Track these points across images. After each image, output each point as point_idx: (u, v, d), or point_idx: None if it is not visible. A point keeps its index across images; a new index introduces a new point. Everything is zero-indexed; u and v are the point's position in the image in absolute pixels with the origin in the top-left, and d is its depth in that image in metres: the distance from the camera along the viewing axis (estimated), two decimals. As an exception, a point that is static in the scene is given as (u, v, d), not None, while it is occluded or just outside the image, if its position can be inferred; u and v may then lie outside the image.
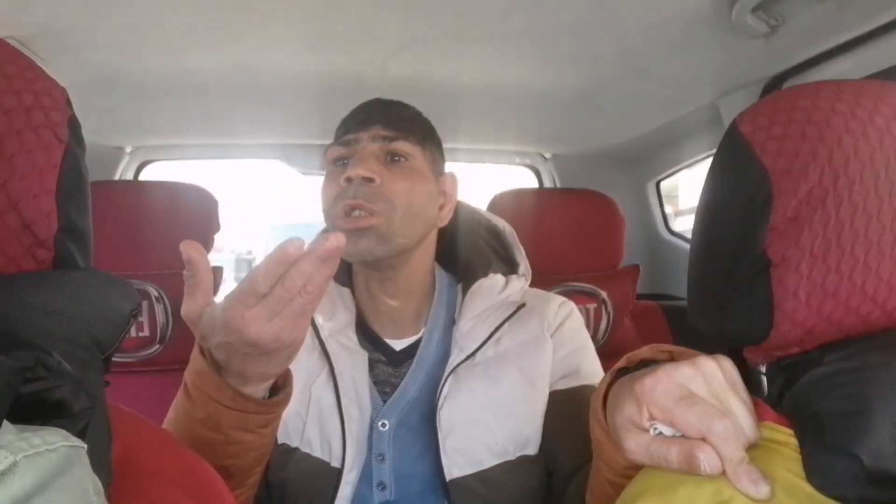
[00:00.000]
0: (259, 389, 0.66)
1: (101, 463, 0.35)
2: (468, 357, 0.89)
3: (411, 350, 0.93)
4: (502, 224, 1.06)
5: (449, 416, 0.86)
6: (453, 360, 0.89)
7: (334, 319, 0.92)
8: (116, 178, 1.82)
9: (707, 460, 0.43)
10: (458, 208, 1.00)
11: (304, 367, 0.89)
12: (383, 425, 0.89)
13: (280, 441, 0.89)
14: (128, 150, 1.83)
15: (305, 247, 0.55)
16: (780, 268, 0.45)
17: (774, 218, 0.46)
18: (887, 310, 0.44)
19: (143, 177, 1.93)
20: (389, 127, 0.88)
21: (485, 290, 0.95)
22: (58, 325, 0.38)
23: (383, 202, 0.83)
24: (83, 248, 0.44)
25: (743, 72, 1.21)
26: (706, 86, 1.32)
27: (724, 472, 0.43)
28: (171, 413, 0.71)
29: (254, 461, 0.73)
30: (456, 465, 0.85)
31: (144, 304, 1.33)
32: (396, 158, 0.88)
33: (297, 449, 0.88)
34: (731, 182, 0.51)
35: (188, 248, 0.60)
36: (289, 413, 0.87)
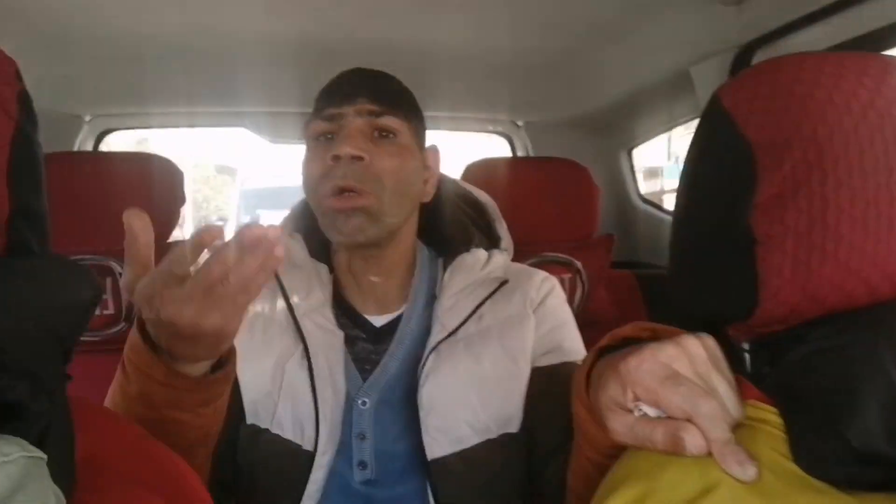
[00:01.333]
0: (194, 368, 0.64)
1: (63, 466, 0.33)
2: (450, 334, 0.88)
3: (392, 326, 0.92)
4: (484, 197, 1.04)
5: (430, 393, 0.85)
6: (435, 336, 0.88)
7: (310, 297, 0.90)
8: (75, 147, 1.76)
9: (692, 441, 0.42)
10: (439, 181, 0.98)
11: (277, 347, 0.88)
12: (364, 403, 0.87)
13: (249, 422, 0.88)
14: (87, 118, 1.78)
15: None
16: (764, 245, 0.45)
17: (759, 194, 0.45)
18: (871, 286, 0.43)
19: (103, 147, 1.87)
20: (376, 101, 0.85)
21: (467, 265, 0.93)
22: (12, 318, 0.35)
23: (373, 181, 0.81)
24: (38, 233, 0.41)
25: (715, 39, 1.20)
26: (678, 53, 1.31)
27: (710, 454, 0.42)
28: (110, 390, 0.69)
29: (195, 441, 0.70)
30: (437, 444, 0.84)
31: (108, 280, 1.30)
32: (384, 134, 0.85)
33: (266, 430, 0.86)
34: (712, 157, 0.50)
35: (130, 217, 0.59)
36: (259, 393, 0.87)
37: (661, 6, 1.13)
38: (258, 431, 0.87)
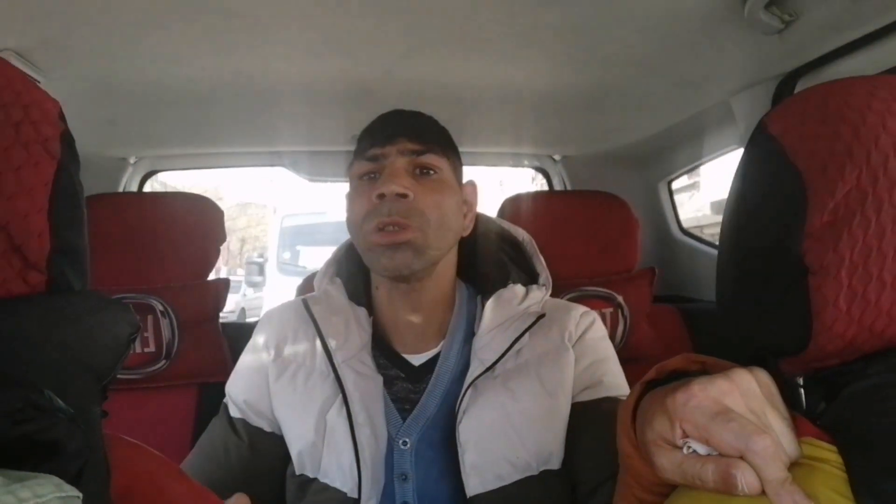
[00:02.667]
0: None
1: (99, 503, 0.33)
2: (487, 369, 0.88)
3: (430, 364, 0.92)
4: (521, 234, 1.05)
5: (468, 430, 0.85)
6: (472, 372, 0.88)
7: (348, 343, 0.91)
8: (120, 189, 1.81)
9: (745, 479, 0.40)
10: (477, 219, 1.01)
11: (318, 397, 0.89)
12: (404, 443, 0.88)
13: (297, 472, 0.89)
14: (132, 160, 1.82)
15: None
16: (817, 275, 0.43)
17: (810, 223, 0.43)
18: None
19: (147, 187, 1.92)
20: (416, 139, 0.89)
21: (504, 300, 0.94)
22: (50, 356, 0.35)
23: (417, 217, 0.84)
24: (78, 270, 0.42)
25: (756, 69, 1.19)
26: (718, 84, 1.29)
27: (763, 493, 0.40)
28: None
29: None
30: (476, 482, 0.84)
31: (149, 318, 1.32)
32: (425, 171, 0.89)
33: (315, 479, 0.88)
34: (761, 186, 0.48)
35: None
36: (305, 444, 0.89)
37: (701, 38, 1.11)
38: (307, 482, 0.89)
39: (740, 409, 0.43)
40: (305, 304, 0.96)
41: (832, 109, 0.45)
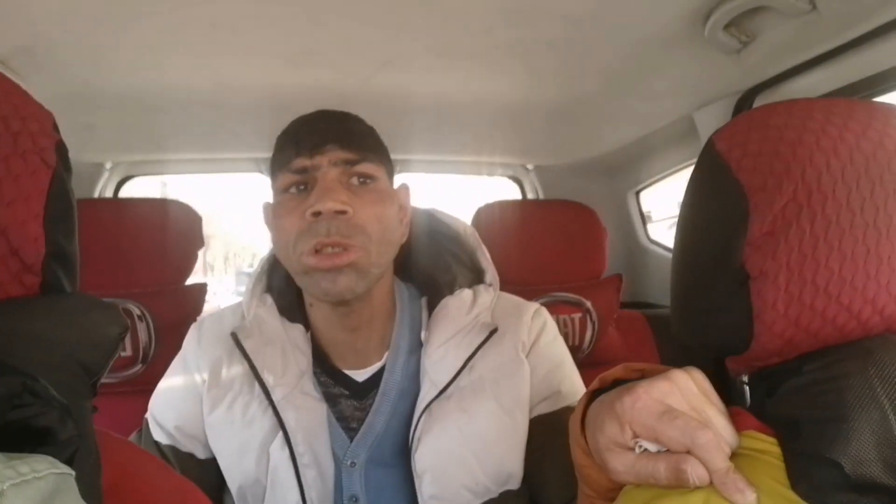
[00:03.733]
0: None
1: (90, 490, 0.35)
2: (441, 391, 0.83)
3: (375, 379, 0.86)
4: (461, 226, 0.98)
5: (424, 459, 0.81)
6: (425, 395, 0.83)
7: (286, 375, 0.84)
8: (96, 194, 1.80)
9: (695, 472, 0.43)
10: (413, 214, 0.93)
11: (259, 429, 0.83)
12: (352, 464, 0.83)
13: None
14: (108, 165, 1.81)
15: None
16: (758, 280, 0.47)
17: (751, 233, 0.47)
18: (862, 319, 0.45)
19: (124, 193, 1.92)
20: (349, 147, 0.80)
21: (453, 310, 0.88)
22: (45, 352, 0.38)
23: (358, 234, 0.77)
24: (70, 273, 0.44)
25: (717, 86, 1.24)
26: (681, 99, 1.34)
27: (710, 483, 0.43)
28: None
29: None
30: None
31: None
32: (362, 181, 0.81)
33: None
34: (708, 198, 0.52)
35: None
36: (246, 478, 0.83)
37: (665, 56, 1.16)
38: None
39: (682, 407, 0.46)
40: (236, 339, 0.87)
41: (773, 129, 0.49)
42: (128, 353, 1.32)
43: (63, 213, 0.43)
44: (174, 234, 1.42)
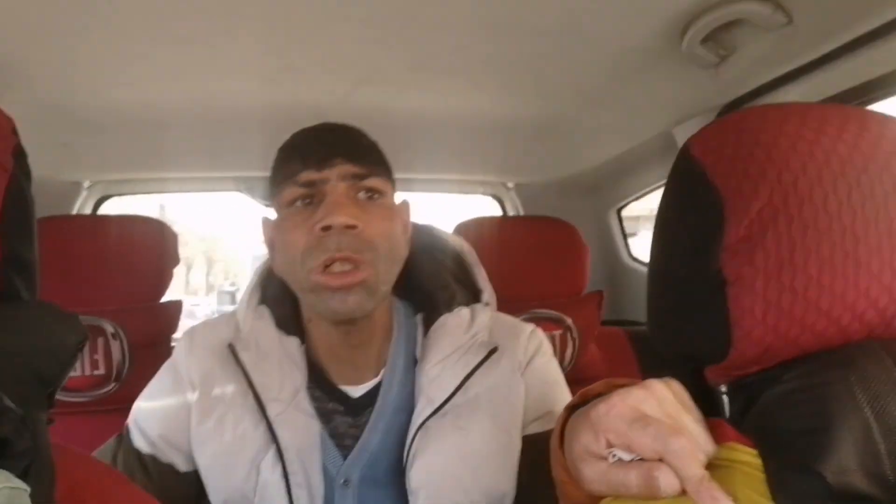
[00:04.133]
0: None
1: (44, 503, 0.34)
2: (437, 409, 0.82)
3: (370, 396, 0.85)
4: (459, 243, 0.97)
5: (419, 477, 0.80)
6: (420, 412, 0.82)
7: (283, 391, 0.83)
8: (74, 212, 1.78)
9: (666, 480, 0.42)
10: (412, 230, 0.91)
11: (250, 444, 0.82)
12: (345, 483, 0.82)
13: None
14: (86, 185, 1.80)
15: None
16: (735, 286, 0.46)
17: (727, 237, 0.46)
18: (842, 325, 0.45)
19: (103, 212, 1.90)
20: (357, 161, 0.79)
21: (451, 329, 0.87)
22: (0, 361, 0.36)
23: (368, 250, 0.76)
24: (27, 280, 0.42)
25: (696, 101, 1.25)
26: (661, 115, 1.35)
27: (685, 493, 0.42)
28: None
29: None
30: None
31: (100, 340, 1.30)
32: (370, 196, 0.80)
33: None
34: (684, 204, 0.52)
35: None
36: (233, 493, 0.81)
37: (643, 71, 1.17)
38: None
39: (657, 414, 0.45)
40: (233, 351, 0.85)
41: (748, 133, 0.48)
42: (101, 371, 1.29)
43: (20, 219, 0.42)
44: (149, 251, 1.40)
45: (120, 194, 1.94)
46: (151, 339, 1.36)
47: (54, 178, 1.65)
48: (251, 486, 0.81)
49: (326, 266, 0.74)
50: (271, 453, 0.80)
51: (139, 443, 0.87)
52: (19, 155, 0.42)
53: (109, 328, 1.30)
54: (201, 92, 1.24)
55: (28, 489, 0.31)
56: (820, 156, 0.45)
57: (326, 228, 0.74)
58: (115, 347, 1.30)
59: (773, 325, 0.45)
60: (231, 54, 1.09)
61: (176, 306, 1.45)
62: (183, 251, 1.54)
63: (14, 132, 0.43)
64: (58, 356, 0.41)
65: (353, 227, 0.75)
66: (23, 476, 0.32)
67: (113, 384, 1.30)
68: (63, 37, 0.97)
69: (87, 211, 1.84)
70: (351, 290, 0.75)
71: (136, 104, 1.28)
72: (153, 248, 1.41)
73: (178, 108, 1.32)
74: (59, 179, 1.68)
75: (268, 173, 1.81)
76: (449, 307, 0.89)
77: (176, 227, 1.54)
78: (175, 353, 0.92)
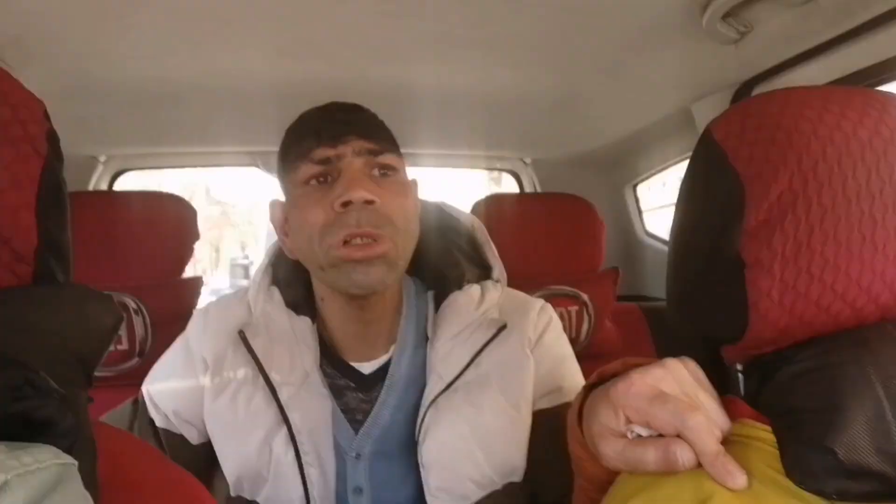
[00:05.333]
0: None
1: (89, 479, 0.35)
2: (448, 385, 0.83)
3: (381, 372, 0.86)
4: (470, 220, 0.97)
5: (431, 452, 0.81)
6: (432, 388, 0.83)
7: (293, 374, 0.84)
8: (91, 188, 1.80)
9: (683, 455, 0.44)
10: (422, 207, 0.91)
11: (263, 422, 0.83)
12: (357, 456, 0.83)
13: (233, 494, 0.86)
14: (102, 159, 1.81)
15: None
16: (753, 269, 0.47)
17: (747, 221, 0.47)
18: (856, 308, 0.45)
19: (118, 186, 1.92)
20: (371, 138, 0.79)
21: (461, 306, 0.88)
22: (41, 342, 0.37)
23: (387, 225, 0.76)
24: (63, 263, 0.44)
25: (714, 77, 1.24)
26: (679, 91, 1.34)
27: (700, 467, 0.43)
28: None
29: None
30: (441, 503, 0.81)
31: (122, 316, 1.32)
32: (384, 173, 0.80)
33: (254, 502, 0.85)
34: (705, 187, 0.52)
35: None
36: (246, 469, 0.83)
37: (662, 47, 1.16)
38: (248, 503, 0.85)
39: (675, 392, 0.47)
40: (243, 337, 0.86)
41: (770, 117, 0.48)
42: (124, 346, 1.32)
43: (55, 203, 0.43)
44: (169, 227, 1.42)
45: (136, 169, 1.95)
46: (173, 314, 1.38)
47: (70, 153, 1.63)
48: (264, 462, 0.82)
49: (346, 242, 0.75)
50: (283, 434, 0.82)
51: (153, 414, 0.90)
52: (52, 139, 0.43)
53: (132, 304, 1.32)
54: (217, 66, 1.25)
55: (76, 463, 0.32)
56: (840, 141, 0.45)
57: (346, 204, 0.75)
58: (138, 323, 1.32)
59: (789, 307, 0.46)
60: (246, 28, 1.09)
61: (197, 282, 1.47)
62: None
63: (46, 116, 0.44)
64: (96, 336, 0.42)
65: (371, 202, 0.75)
66: (68, 453, 0.34)
67: (136, 359, 1.33)
68: (80, 11, 0.98)
69: (104, 185, 1.86)
70: (373, 262, 0.75)
71: (152, 79, 1.29)
72: (173, 224, 1.43)
73: (194, 83, 1.32)
74: (75, 154, 1.70)
75: (284, 148, 1.82)
76: (459, 285, 0.90)
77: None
78: (188, 331, 0.94)
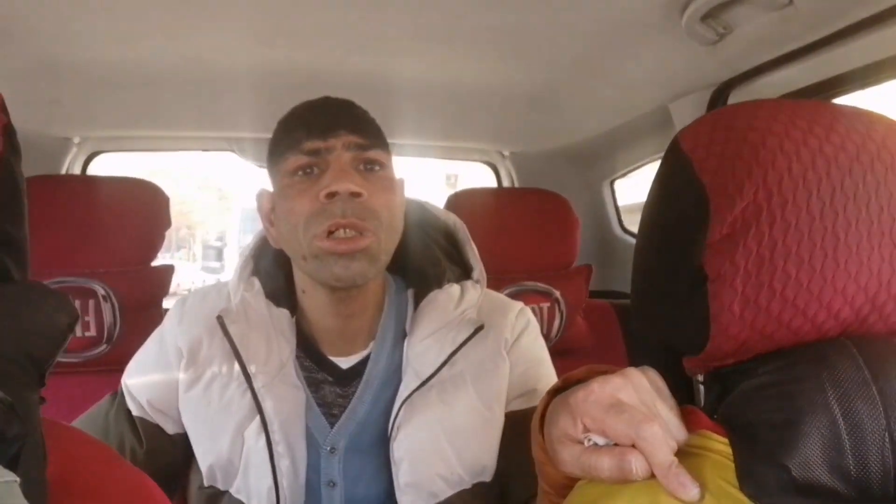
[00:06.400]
0: None
1: (36, 487, 0.35)
2: (422, 383, 0.83)
3: (359, 367, 0.87)
4: (452, 220, 0.98)
5: (402, 448, 0.82)
6: (407, 385, 0.84)
7: (269, 363, 0.84)
8: (64, 169, 1.77)
9: (637, 464, 0.44)
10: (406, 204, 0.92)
11: (236, 411, 0.83)
12: (332, 450, 0.84)
13: (206, 484, 0.86)
14: (76, 140, 1.78)
15: None
16: (715, 283, 0.47)
17: (711, 234, 0.47)
18: (817, 323, 0.46)
19: (92, 168, 1.88)
20: (360, 133, 0.80)
21: (440, 304, 0.88)
22: None
23: (372, 218, 0.77)
24: (19, 260, 0.43)
25: (692, 77, 1.24)
26: (657, 89, 1.34)
27: (654, 477, 0.44)
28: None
29: None
30: (410, 499, 0.82)
31: (91, 302, 1.30)
32: (370, 167, 0.81)
33: (226, 493, 0.85)
34: (671, 196, 0.52)
35: None
36: (218, 458, 0.83)
37: (641, 45, 1.16)
38: (216, 494, 0.85)
39: (633, 401, 0.47)
40: (221, 323, 0.85)
41: (737, 130, 0.49)
42: (92, 333, 1.30)
43: (11, 199, 0.42)
44: (141, 213, 1.40)
45: (111, 151, 1.92)
46: (143, 302, 1.37)
47: (44, 134, 1.63)
48: (237, 452, 0.83)
49: (330, 232, 0.75)
50: (255, 423, 0.82)
51: (130, 404, 0.90)
52: (9, 133, 0.42)
53: (101, 290, 1.30)
54: (195, 51, 1.23)
55: (17, 480, 0.31)
56: (806, 157, 0.46)
57: (332, 195, 0.75)
58: (107, 309, 1.30)
59: (750, 321, 0.46)
60: (226, 15, 1.08)
61: (168, 270, 1.45)
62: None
63: (3, 109, 0.43)
64: (50, 337, 0.41)
65: (358, 194, 0.76)
66: (13, 461, 0.33)
67: (104, 346, 1.31)
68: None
69: (78, 167, 1.83)
70: (355, 256, 0.76)
71: (128, 61, 1.27)
72: (145, 211, 1.40)
73: (171, 67, 1.30)
74: (49, 135, 1.67)
75: (260, 134, 1.81)
76: (439, 283, 0.90)
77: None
78: (164, 322, 0.94)
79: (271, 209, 0.85)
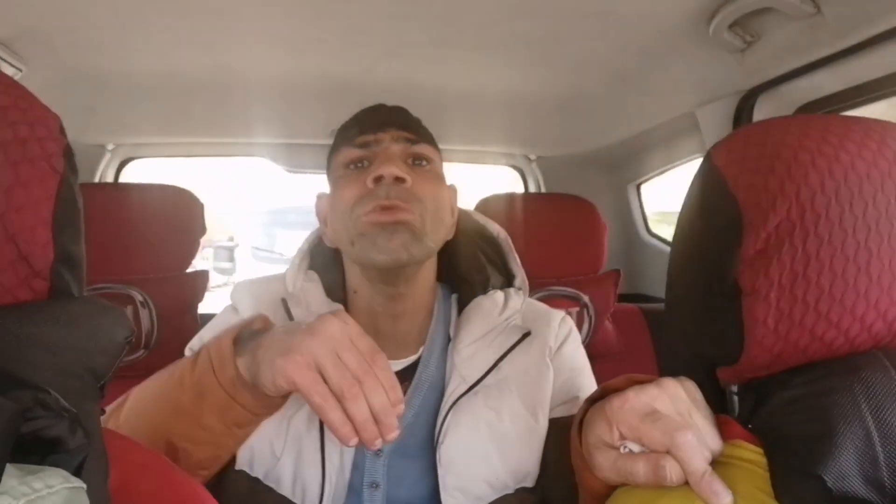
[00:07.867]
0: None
1: (99, 495, 0.36)
2: (470, 388, 0.84)
3: (408, 372, 0.87)
4: (496, 229, 0.99)
5: (450, 452, 0.82)
6: (454, 389, 0.84)
7: None
8: (97, 175, 1.82)
9: (671, 470, 0.45)
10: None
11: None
12: (377, 453, 0.83)
13: (238, 467, 0.82)
14: (109, 147, 1.82)
15: None
16: (750, 297, 0.48)
17: (745, 249, 0.48)
18: (850, 336, 0.46)
19: (124, 174, 1.93)
20: (408, 129, 0.85)
21: (485, 310, 0.90)
22: (54, 357, 0.38)
23: (416, 202, 0.79)
24: (77, 277, 0.44)
25: (719, 84, 1.24)
26: (684, 96, 1.34)
27: (688, 484, 0.45)
28: (150, 380, 0.73)
29: (204, 459, 0.72)
30: (455, 502, 0.81)
31: (129, 309, 1.33)
32: (419, 162, 0.85)
33: (257, 480, 0.81)
34: (705, 212, 0.53)
35: None
36: (259, 441, 0.81)
37: (669, 53, 1.17)
38: (250, 480, 0.82)
39: (668, 410, 0.49)
40: (285, 305, 0.88)
41: (770, 146, 0.49)
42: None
43: (70, 218, 0.43)
44: (176, 220, 1.43)
45: (144, 157, 1.96)
46: (178, 307, 1.40)
47: (79, 141, 1.67)
48: (281, 439, 0.82)
49: (375, 210, 0.78)
50: (304, 411, 0.81)
51: None
52: (69, 155, 0.44)
53: (138, 297, 1.33)
54: (226, 60, 1.26)
55: (84, 486, 0.33)
56: (839, 173, 0.46)
57: (378, 179, 0.79)
58: (144, 315, 1.33)
59: (784, 334, 0.47)
60: (257, 24, 1.10)
61: (203, 276, 1.48)
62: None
63: (62, 131, 0.44)
64: (108, 350, 0.43)
65: (402, 179, 0.79)
66: (78, 470, 0.35)
67: (142, 351, 1.34)
68: (91, 4, 0.99)
69: (111, 174, 1.87)
70: (397, 227, 0.78)
71: (162, 71, 1.30)
72: (180, 218, 1.44)
73: (203, 76, 1.33)
74: (83, 142, 1.71)
75: (292, 140, 1.83)
76: (484, 289, 0.92)
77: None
78: (232, 297, 0.95)
79: (328, 211, 0.89)
